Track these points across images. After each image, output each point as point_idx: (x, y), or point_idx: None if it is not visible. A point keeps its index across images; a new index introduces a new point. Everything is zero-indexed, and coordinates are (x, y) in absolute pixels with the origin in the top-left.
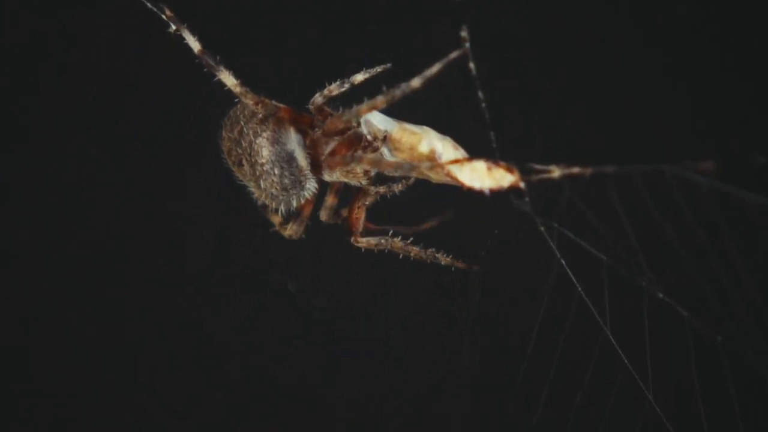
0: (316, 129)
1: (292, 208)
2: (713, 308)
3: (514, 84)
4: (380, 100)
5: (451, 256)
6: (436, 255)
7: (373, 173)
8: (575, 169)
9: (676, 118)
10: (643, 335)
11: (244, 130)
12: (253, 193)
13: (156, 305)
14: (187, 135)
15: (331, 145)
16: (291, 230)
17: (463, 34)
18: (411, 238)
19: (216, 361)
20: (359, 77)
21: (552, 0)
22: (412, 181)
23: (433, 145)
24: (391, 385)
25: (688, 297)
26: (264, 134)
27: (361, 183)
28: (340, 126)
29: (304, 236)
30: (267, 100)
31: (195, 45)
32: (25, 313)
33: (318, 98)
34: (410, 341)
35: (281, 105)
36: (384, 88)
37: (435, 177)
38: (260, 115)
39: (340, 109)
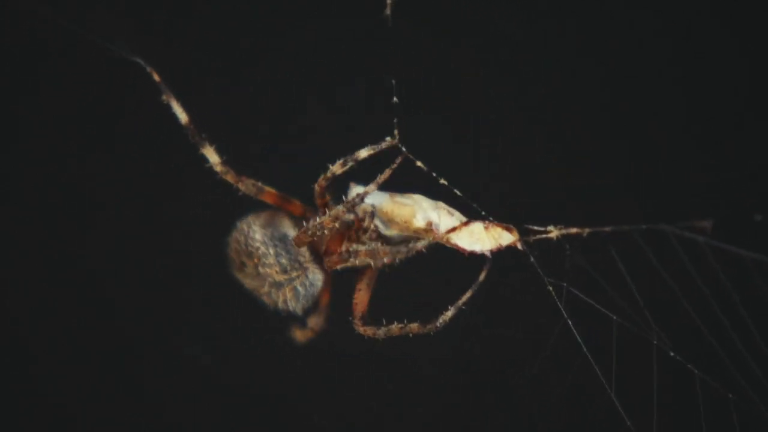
0: (308, 219)
1: (300, 299)
2: (723, 365)
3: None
4: (341, 210)
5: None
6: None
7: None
8: (573, 230)
9: (671, 122)
10: (652, 394)
11: (243, 228)
12: (265, 302)
13: (155, 306)
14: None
15: (325, 238)
16: (312, 324)
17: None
18: (409, 325)
19: (218, 362)
20: (363, 153)
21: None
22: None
23: (428, 217)
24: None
25: (698, 355)
26: (256, 221)
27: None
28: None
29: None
30: (247, 179)
31: (182, 116)
32: (24, 314)
33: (322, 181)
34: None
35: (266, 188)
36: (344, 199)
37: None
38: (240, 193)
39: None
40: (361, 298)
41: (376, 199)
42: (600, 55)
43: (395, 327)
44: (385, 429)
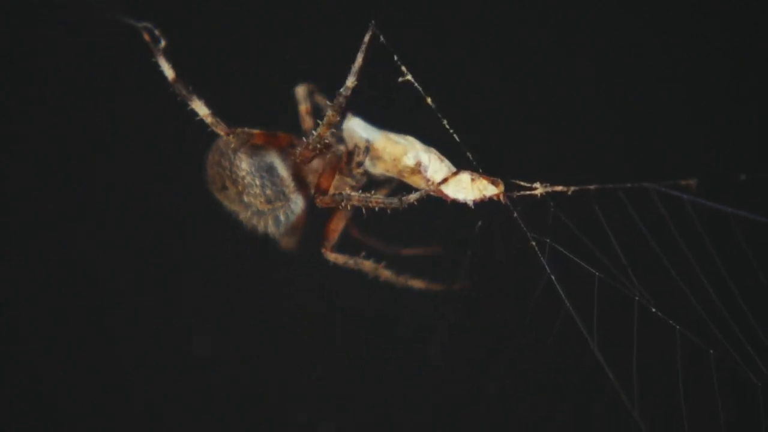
0: (297, 148)
1: (280, 227)
2: (704, 322)
3: (501, 91)
4: (331, 114)
5: (426, 281)
6: (410, 281)
7: (362, 182)
8: (558, 187)
9: (659, 82)
10: (632, 349)
11: (225, 152)
12: (243, 223)
13: (154, 306)
14: (183, 135)
15: (314, 168)
16: (285, 243)
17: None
18: (384, 262)
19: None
20: (350, 81)
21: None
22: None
23: (418, 157)
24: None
25: (679, 311)
26: (243, 150)
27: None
28: (317, 147)
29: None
30: (239, 130)
31: (169, 72)
32: (23, 314)
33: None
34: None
35: (255, 131)
36: (328, 102)
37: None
38: (232, 145)
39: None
40: (336, 226)
41: (370, 134)
42: (589, 10)
43: (367, 263)
44: (376, 389)
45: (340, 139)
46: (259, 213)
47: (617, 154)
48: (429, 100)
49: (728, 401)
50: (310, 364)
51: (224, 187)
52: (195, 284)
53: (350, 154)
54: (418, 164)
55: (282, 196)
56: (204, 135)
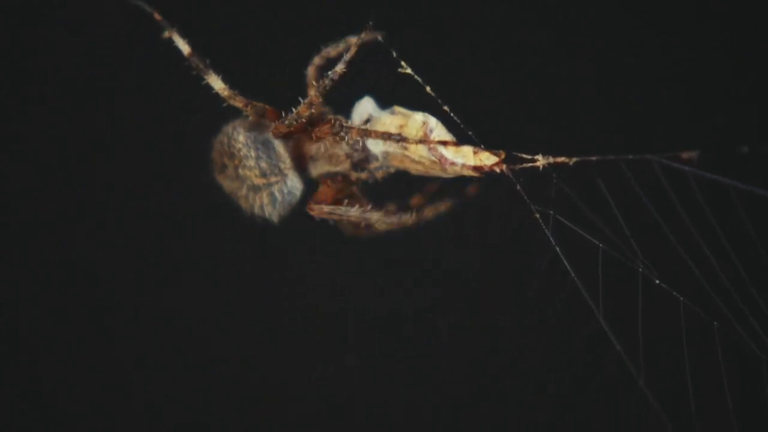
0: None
1: (275, 206)
2: (708, 294)
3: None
4: (314, 95)
5: (414, 213)
6: (401, 218)
7: (355, 158)
8: (560, 159)
9: (661, 56)
10: (637, 321)
11: (227, 131)
12: (242, 207)
13: (154, 306)
14: (183, 135)
15: (308, 145)
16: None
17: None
18: (369, 205)
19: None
20: (340, 68)
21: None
22: (392, 170)
23: (428, 119)
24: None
25: (683, 283)
26: (243, 125)
27: (345, 169)
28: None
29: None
30: (256, 103)
31: (185, 47)
32: (23, 314)
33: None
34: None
35: (269, 107)
36: (313, 83)
37: (416, 166)
38: (250, 118)
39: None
40: (326, 193)
41: (377, 112)
42: (589, 10)
43: (352, 211)
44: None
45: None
46: (255, 188)
47: (617, 153)
48: (428, 89)
49: (732, 373)
50: (310, 365)
51: (224, 166)
52: (195, 284)
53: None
54: (425, 124)
55: (277, 170)
56: (204, 135)
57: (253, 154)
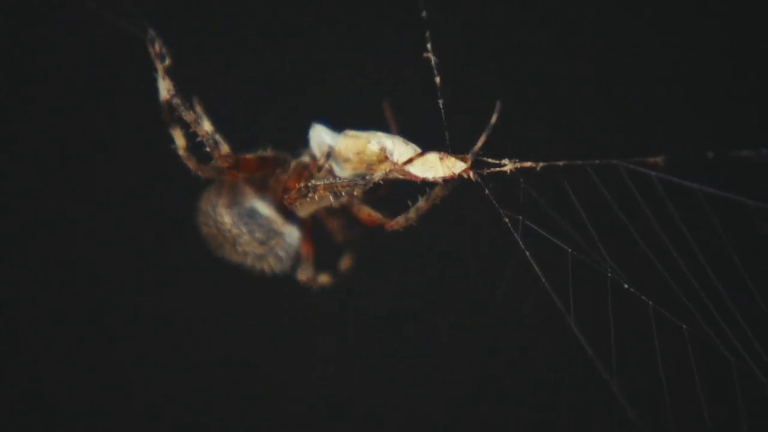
0: (270, 177)
1: (284, 262)
2: (676, 297)
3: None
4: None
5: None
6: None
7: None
8: (527, 163)
9: (629, 61)
10: (608, 325)
11: (208, 212)
12: (253, 268)
13: (154, 306)
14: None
15: (282, 183)
16: (304, 276)
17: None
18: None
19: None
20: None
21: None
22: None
23: (382, 143)
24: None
25: (652, 287)
26: (219, 202)
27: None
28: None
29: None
30: (211, 164)
31: (163, 92)
32: (23, 314)
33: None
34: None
35: (223, 164)
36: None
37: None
38: (202, 180)
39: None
40: (366, 212)
41: (333, 138)
42: (589, 10)
43: (421, 203)
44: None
45: (305, 153)
46: (259, 257)
47: (617, 154)
48: (438, 80)
49: (702, 375)
50: (310, 365)
51: (220, 245)
52: (195, 284)
53: (314, 161)
54: (383, 150)
55: (273, 233)
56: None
57: (244, 229)
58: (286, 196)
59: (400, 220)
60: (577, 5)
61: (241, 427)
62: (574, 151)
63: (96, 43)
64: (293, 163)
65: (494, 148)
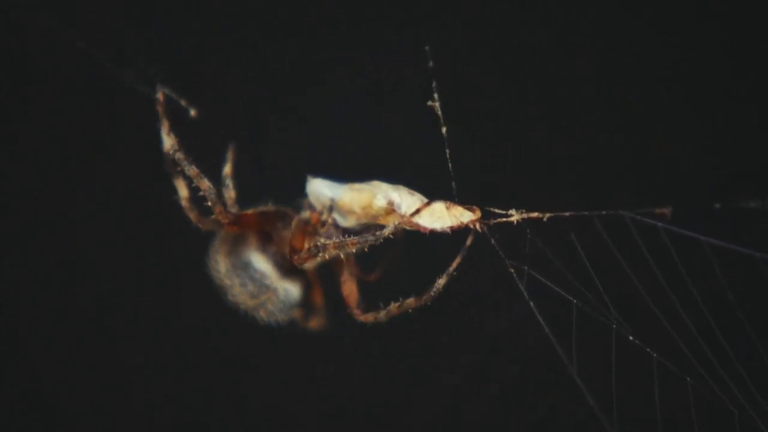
0: (273, 231)
1: (278, 317)
2: (680, 350)
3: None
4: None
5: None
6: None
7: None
8: (534, 214)
9: (637, 113)
10: (611, 377)
11: (211, 256)
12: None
13: (154, 306)
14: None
15: (286, 241)
16: (314, 324)
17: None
18: (400, 299)
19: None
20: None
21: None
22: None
23: (389, 196)
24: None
25: (657, 339)
26: (221, 249)
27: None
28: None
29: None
30: (206, 219)
31: (167, 142)
32: (23, 314)
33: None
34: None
35: (224, 219)
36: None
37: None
38: (203, 231)
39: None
40: (350, 288)
41: (334, 191)
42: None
43: (393, 306)
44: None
45: (305, 204)
46: (252, 308)
47: (618, 154)
48: (444, 130)
49: (705, 429)
50: (310, 365)
51: (222, 291)
52: (195, 284)
53: (317, 214)
54: (390, 203)
55: (264, 289)
56: (204, 134)
57: (236, 281)
58: (296, 257)
59: (369, 317)
60: (577, 5)
61: (241, 427)
62: (574, 151)
63: (95, 43)
64: (294, 220)
65: (524, 144)
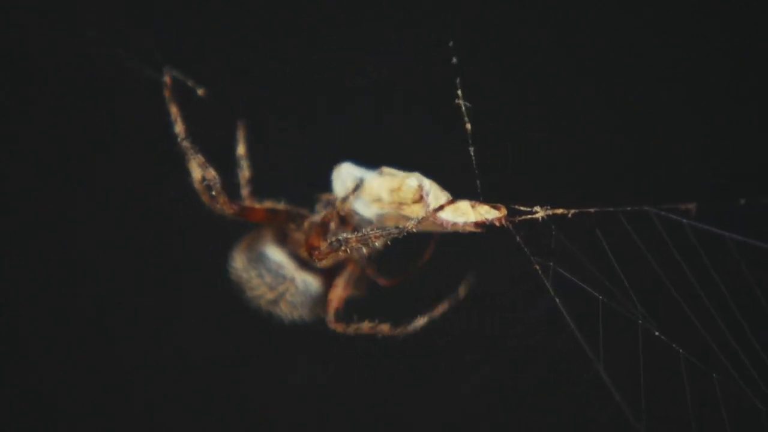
0: (285, 229)
1: (299, 309)
2: (707, 345)
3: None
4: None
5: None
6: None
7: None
8: (558, 210)
9: (661, 107)
10: (637, 372)
11: (231, 260)
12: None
13: (154, 306)
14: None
15: (306, 233)
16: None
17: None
18: (377, 321)
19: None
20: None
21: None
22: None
23: (422, 180)
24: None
25: (683, 335)
26: (237, 248)
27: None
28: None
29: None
30: (222, 199)
31: (179, 127)
32: (23, 314)
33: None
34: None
35: (244, 206)
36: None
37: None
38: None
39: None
40: (337, 294)
41: (364, 173)
42: (589, 10)
43: (365, 325)
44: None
45: (320, 200)
46: (272, 302)
47: (617, 154)
48: (468, 126)
49: (732, 425)
50: (310, 365)
51: (242, 291)
52: (195, 284)
53: (333, 212)
54: (421, 187)
55: (282, 279)
56: (203, 135)
57: (253, 274)
58: (316, 252)
59: (339, 326)
60: (577, 5)
61: (241, 427)
62: (574, 151)
63: (96, 42)
64: (307, 222)
65: (522, 169)
